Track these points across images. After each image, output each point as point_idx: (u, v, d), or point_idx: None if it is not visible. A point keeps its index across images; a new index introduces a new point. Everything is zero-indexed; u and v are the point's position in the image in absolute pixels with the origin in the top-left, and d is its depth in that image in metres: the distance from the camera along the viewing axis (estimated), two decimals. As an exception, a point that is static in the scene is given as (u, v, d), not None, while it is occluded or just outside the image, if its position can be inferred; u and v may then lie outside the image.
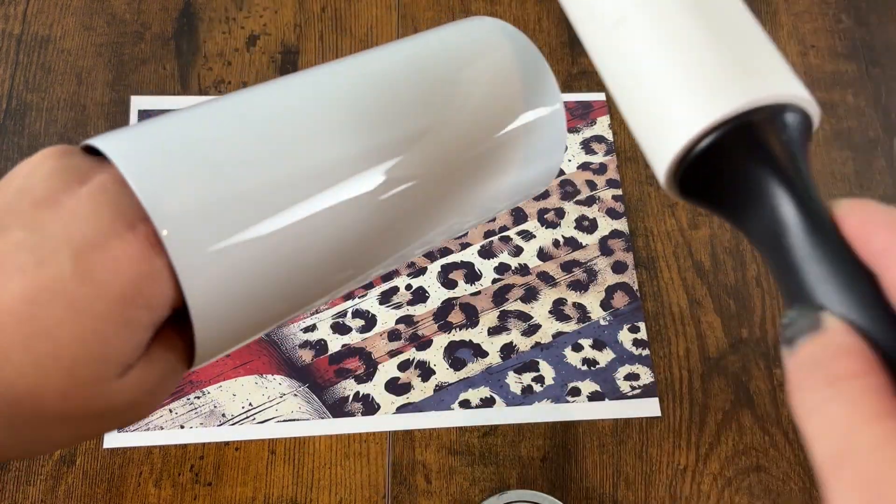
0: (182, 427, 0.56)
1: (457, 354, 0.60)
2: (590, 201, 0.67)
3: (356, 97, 0.29)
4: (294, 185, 0.25)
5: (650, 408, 0.60)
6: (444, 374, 0.60)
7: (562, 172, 0.67)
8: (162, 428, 0.56)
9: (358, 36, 0.72)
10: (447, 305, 0.62)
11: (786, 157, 0.22)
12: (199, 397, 0.57)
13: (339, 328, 0.60)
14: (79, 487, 0.55)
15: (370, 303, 0.61)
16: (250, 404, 0.57)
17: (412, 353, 0.60)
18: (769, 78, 0.24)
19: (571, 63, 0.72)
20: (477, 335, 0.61)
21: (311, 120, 0.28)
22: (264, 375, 0.58)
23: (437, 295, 0.62)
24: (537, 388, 0.60)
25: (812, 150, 0.70)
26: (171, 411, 0.57)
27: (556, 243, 0.65)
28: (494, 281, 0.63)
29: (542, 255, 0.64)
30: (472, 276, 0.63)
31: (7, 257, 0.20)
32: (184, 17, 0.71)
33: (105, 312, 0.21)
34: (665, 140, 0.23)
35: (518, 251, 0.64)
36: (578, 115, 0.70)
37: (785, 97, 0.23)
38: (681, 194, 0.24)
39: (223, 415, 0.57)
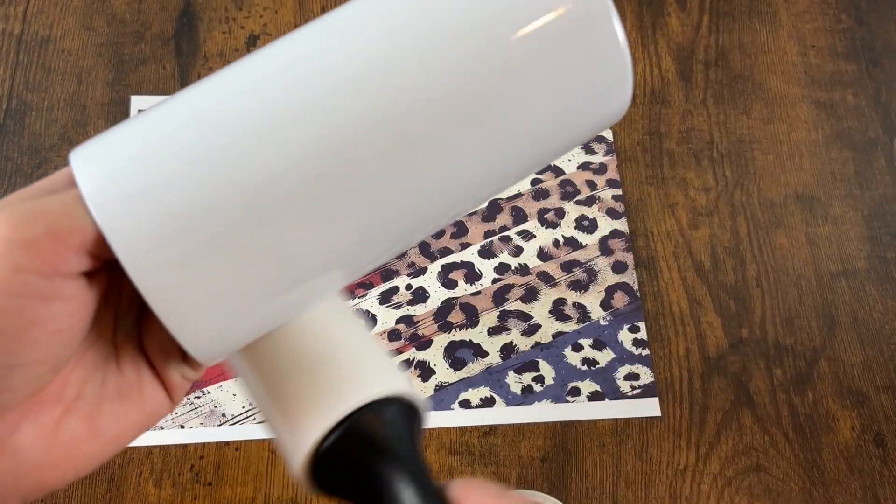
0: (182, 427, 0.56)
1: (457, 354, 0.60)
2: (590, 201, 0.67)
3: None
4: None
5: (650, 408, 0.60)
6: (444, 373, 0.60)
7: (562, 172, 0.67)
8: (162, 428, 0.56)
9: (358, 36, 0.72)
10: (447, 305, 0.62)
11: (394, 445, 0.25)
12: (199, 397, 0.57)
13: None
14: (79, 487, 0.55)
15: (370, 303, 0.61)
16: (250, 404, 0.57)
17: (412, 353, 0.60)
18: (364, 382, 0.27)
19: (571, 63, 0.72)
20: (477, 335, 0.61)
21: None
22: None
23: (437, 295, 0.62)
24: (537, 387, 0.60)
25: (812, 151, 0.70)
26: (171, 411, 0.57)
27: (556, 243, 0.65)
28: (494, 281, 0.63)
29: (542, 255, 0.64)
30: (472, 276, 0.63)
31: None
32: (184, 17, 0.71)
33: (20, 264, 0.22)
34: (291, 452, 0.26)
35: (518, 251, 0.64)
36: None
37: (379, 394, 0.26)
38: (323, 491, 0.26)
39: (223, 414, 0.57)
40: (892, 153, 0.71)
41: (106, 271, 0.24)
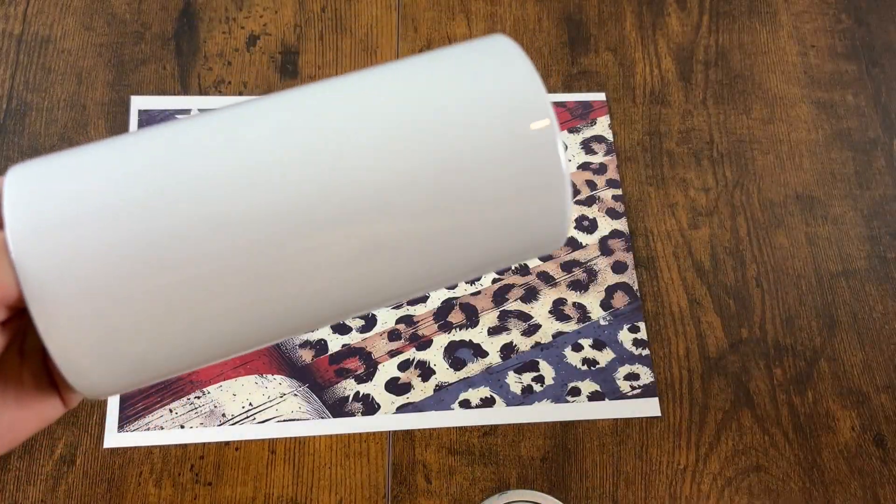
0: (182, 427, 0.56)
1: (457, 354, 0.60)
2: (590, 201, 0.67)
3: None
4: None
5: (650, 408, 0.60)
6: (444, 373, 0.60)
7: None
8: (162, 428, 0.56)
9: (358, 36, 0.72)
10: (447, 305, 0.62)
11: None
12: (199, 397, 0.57)
13: (340, 328, 0.60)
14: (79, 487, 0.55)
15: None
16: (250, 404, 0.57)
17: (412, 353, 0.60)
18: None
19: (571, 63, 0.72)
20: (477, 335, 0.61)
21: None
22: (264, 375, 0.58)
23: (437, 295, 0.62)
24: (537, 387, 0.60)
25: (812, 150, 0.70)
26: (171, 411, 0.57)
27: None
28: (494, 281, 0.63)
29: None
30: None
31: None
32: (184, 17, 0.71)
33: None
34: None
35: (518, 251, 0.64)
36: (578, 115, 0.70)
37: None
38: None
39: (223, 415, 0.57)
40: (892, 153, 0.71)
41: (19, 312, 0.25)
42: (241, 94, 0.68)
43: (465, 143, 0.25)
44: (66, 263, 0.23)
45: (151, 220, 0.23)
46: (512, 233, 0.26)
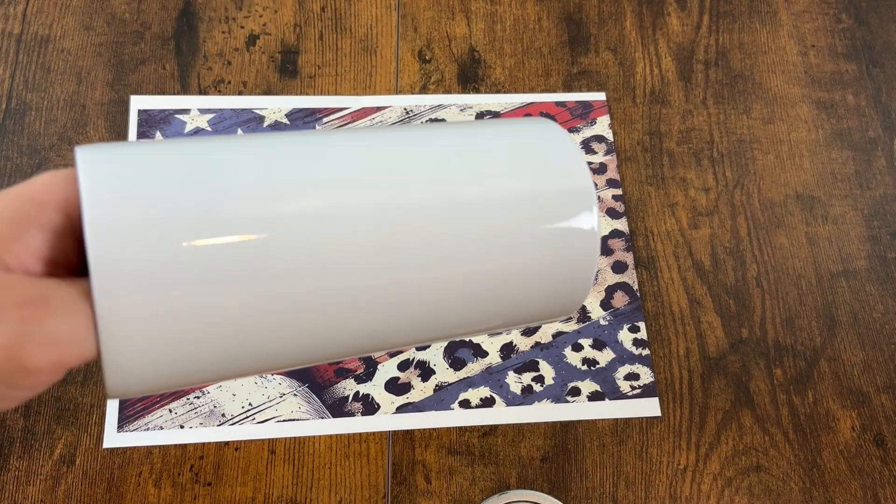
0: (182, 427, 0.56)
1: (457, 354, 0.60)
2: None
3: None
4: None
5: (650, 408, 0.60)
6: (444, 373, 0.60)
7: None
8: (162, 428, 0.56)
9: (358, 36, 0.72)
10: (447, 305, 0.62)
11: None
12: (198, 397, 0.57)
13: None
14: (79, 487, 0.55)
15: None
16: (250, 404, 0.57)
17: (412, 353, 0.60)
18: None
19: (571, 63, 0.72)
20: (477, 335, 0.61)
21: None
22: (264, 375, 0.58)
23: (437, 295, 0.62)
24: (537, 387, 0.60)
25: (812, 150, 0.70)
26: (170, 411, 0.57)
27: None
28: (494, 281, 0.63)
29: None
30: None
31: None
32: (183, 16, 0.71)
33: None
34: None
35: (518, 251, 0.64)
36: (578, 115, 0.70)
37: None
38: None
39: (223, 415, 0.57)
40: (893, 153, 0.71)
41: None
42: (240, 93, 0.68)
43: (520, 216, 0.27)
44: (141, 265, 0.23)
45: (226, 242, 0.24)
46: (542, 294, 0.29)
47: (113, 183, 0.23)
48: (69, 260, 0.23)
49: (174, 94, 0.68)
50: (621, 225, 0.66)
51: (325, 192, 0.26)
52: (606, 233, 0.65)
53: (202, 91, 0.68)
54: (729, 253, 0.65)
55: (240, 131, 0.66)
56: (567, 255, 0.28)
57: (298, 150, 0.27)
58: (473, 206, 0.27)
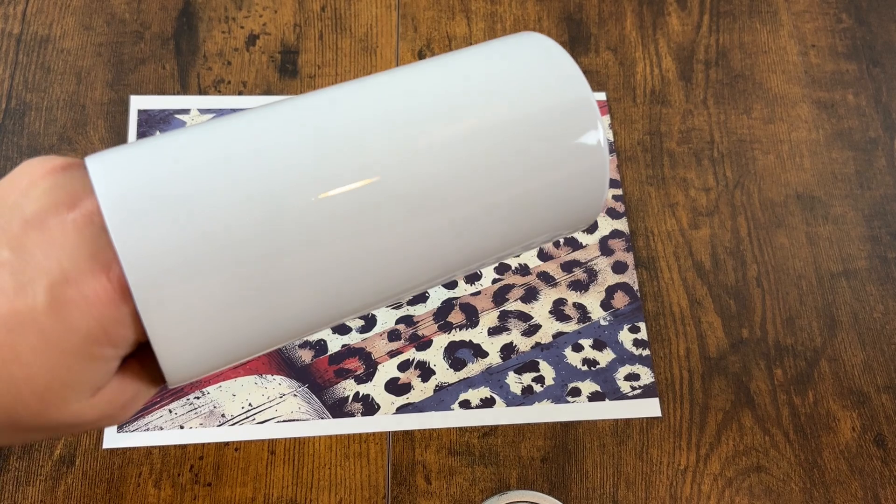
0: (182, 427, 0.56)
1: (457, 354, 0.60)
2: None
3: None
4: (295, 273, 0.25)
5: (650, 408, 0.60)
6: (444, 374, 0.59)
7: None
8: (161, 428, 0.56)
9: (357, 36, 0.72)
10: (447, 305, 0.61)
11: None
12: (198, 397, 0.57)
13: (339, 328, 0.60)
14: (78, 487, 0.55)
15: None
16: (250, 404, 0.57)
17: (412, 354, 0.60)
18: None
19: (571, 63, 0.72)
20: (477, 335, 0.61)
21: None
22: (264, 375, 0.58)
23: (437, 295, 0.62)
24: (537, 388, 0.60)
25: (813, 150, 0.70)
26: (170, 411, 0.57)
27: (556, 243, 0.64)
28: (494, 281, 0.63)
29: (542, 255, 0.64)
30: (472, 275, 0.63)
31: None
32: (183, 16, 0.71)
33: (73, 348, 0.22)
34: None
35: (518, 251, 0.64)
36: None
37: None
38: None
39: (223, 415, 0.57)
40: (893, 153, 0.71)
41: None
42: (240, 93, 0.68)
43: (526, 125, 0.29)
44: (170, 255, 0.23)
45: (246, 215, 0.24)
46: (558, 200, 0.30)
47: (127, 196, 0.24)
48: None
49: (174, 94, 0.68)
50: (621, 225, 0.66)
51: (350, 152, 0.26)
52: (607, 233, 0.65)
53: (202, 91, 0.68)
54: (729, 253, 0.65)
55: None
56: (579, 168, 0.29)
57: (305, 116, 0.27)
58: (487, 138, 0.28)
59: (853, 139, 0.71)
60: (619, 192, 0.67)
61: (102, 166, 0.24)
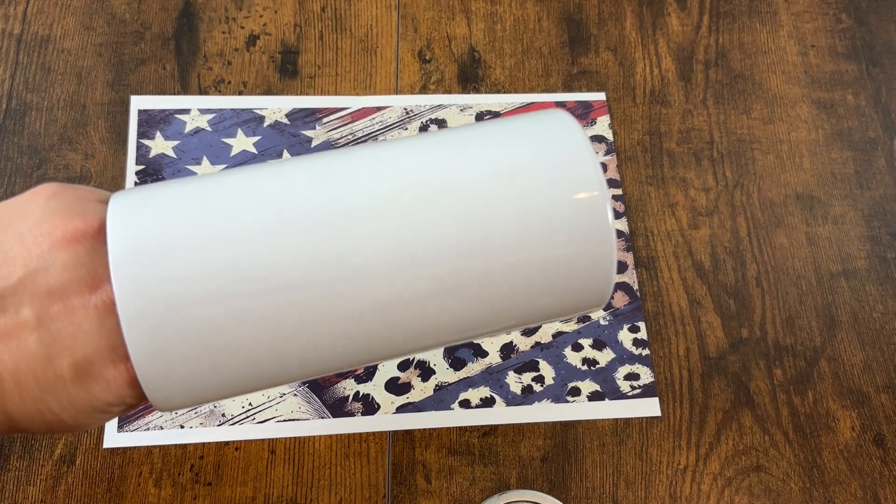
0: (182, 427, 0.56)
1: (457, 354, 0.60)
2: None
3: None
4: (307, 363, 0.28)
5: (650, 408, 0.60)
6: (444, 373, 0.60)
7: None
8: (162, 428, 0.56)
9: (358, 36, 0.72)
10: (447, 305, 0.61)
11: None
12: None
13: None
14: (79, 487, 0.55)
15: None
16: (250, 404, 0.57)
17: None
18: None
19: (571, 63, 0.72)
20: None
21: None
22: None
23: (437, 295, 0.62)
24: (537, 387, 0.60)
25: (812, 150, 0.70)
26: (171, 411, 0.57)
27: None
28: (494, 281, 0.63)
29: None
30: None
31: (17, 332, 0.25)
32: (184, 17, 0.71)
33: (94, 409, 0.27)
34: None
35: (518, 251, 0.64)
36: (578, 116, 0.70)
37: None
38: None
39: (223, 415, 0.57)
40: (893, 153, 0.71)
41: None
42: (240, 93, 0.68)
43: (532, 211, 0.28)
44: (164, 297, 0.25)
45: (242, 265, 0.26)
46: (563, 288, 0.29)
47: (132, 240, 0.26)
48: None
49: (174, 94, 0.68)
50: (621, 225, 0.66)
51: (339, 216, 0.27)
52: (606, 233, 0.65)
53: (202, 91, 0.68)
54: (729, 253, 0.65)
55: (240, 131, 0.66)
56: (585, 251, 0.29)
57: (309, 175, 0.28)
58: (491, 216, 0.28)
59: (853, 139, 0.71)
60: (618, 191, 0.67)
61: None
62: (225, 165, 0.65)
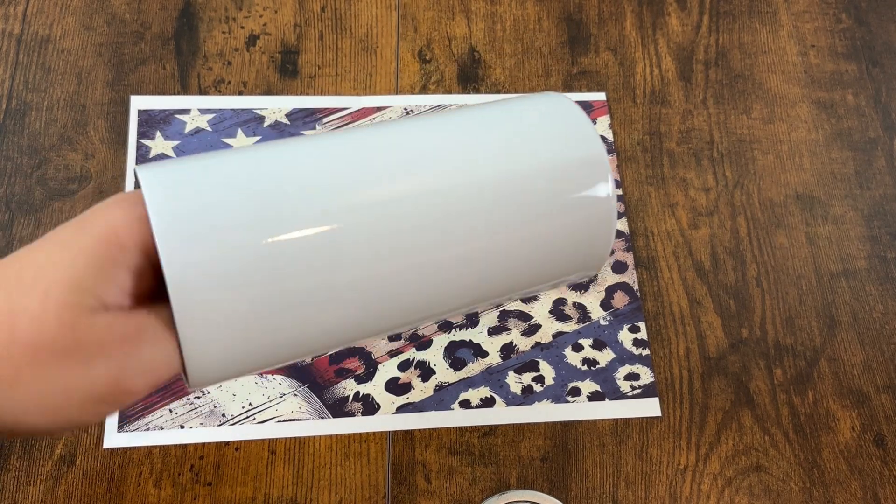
0: (182, 427, 0.56)
1: (457, 354, 0.60)
2: None
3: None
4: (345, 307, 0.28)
5: (650, 408, 0.60)
6: (445, 374, 0.60)
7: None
8: (162, 428, 0.56)
9: (358, 36, 0.72)
10: (447, 305, 0.61)
11: None
12: (198, 397, 0.57)
13: None
14: (79, 487, 0.55)
15: None
16: (250, 404, 0.57)
17: (412, 353, 0.60)
18: None
19: (571, 63, 0.72)
20: (477, 335, 0.61)
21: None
22: (264, 375, 0.58)
23: (437, 295, 0.62)
24: (537, 388, 0.60)
25: (812, 150, 0.70)
26: (171, 411, 0.57)
27: None
28: (494, 281, 0.63)
29: None
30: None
31: None
32: (184, 16, 0.71)
33: (83, 247, 0.24)
34: None
35: (518, 251, 0.64)
36: None
37: None
38: None
39: (223, 415, 0.57)
40: (893, 153, 0.71)
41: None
42: (240, 93, 0.68)
43: (548, 192, 0.30)
44: (212, 261, 0.25)
45: (289, 233, 0.26)
46: (565, 246, 0.31)
47: (177, 203, 0.25)
48: (152, 289, 0.27)
49: (174, 94, 0.68)
50: (621, 225, 0.66)
51: (372, 188, 0.28)
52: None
53: (202, 91, 0.68)
54: (729, 253, 0.65)
55: (240, 132, 0.66)
56: (587, 219, 0.31)
57: (345, 147, 0.30)
58: (502, 185, 0.29)
59: (853, 139, 0.71)
60: (618, 191, 0.67)
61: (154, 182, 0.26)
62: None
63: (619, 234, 0.66)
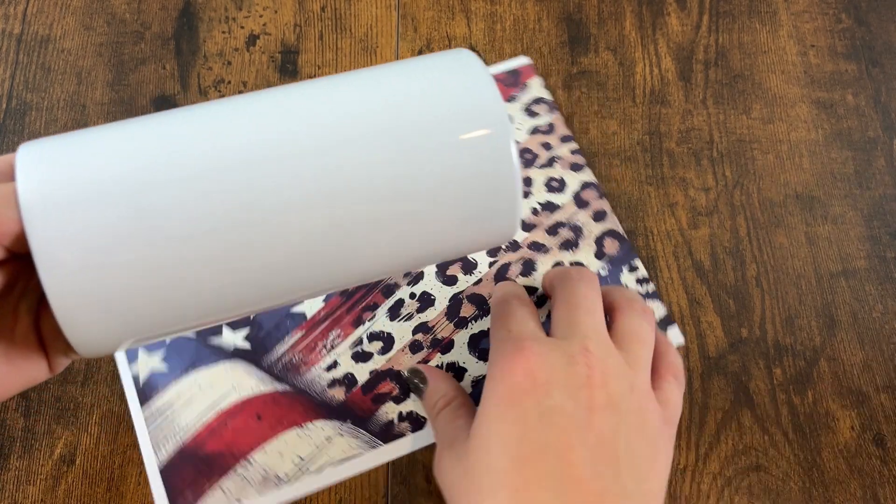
0: (239, 501, 0.53)
1: (481, 346, 0.60)
2: (551, 162, 0.66)
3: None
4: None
5: (650, 407, 0.60)
6: (476, 367, 0.59)
7: (516, 142, 0.67)
8: (163, 429, 0.56)
9: (357, 36, 0.72)
10: (455, 302, 0.61)
11: None
12: (245, 469, 0.55)
13: (360, 356, 0.59)
14: (79, 487, 0.55)
15: (381, 322, 0.60)
16: (300, 458, 0.55)
17: (438, 359, 0.59)
18: None
19: (571, 63, 0.72)
20: (489, 322, 0.61)
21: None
22: (303, 425, 0.56)
23: (442, 294, 0.61)
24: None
25: (812, 150, 0.70)
26: (223, 491, 0.54)
27: (534, 211, 0.64)
28: (491, 264, 0.62)
29: (526, 226, 0.63)
30: (469, 265, 0.62)
31: None
32: (184, 16, 0.71)
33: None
34: None
35: (503, 230, 0.63)
36: (510, 84, 0.69)
37: None
38: None
39: (276, 476, 0.54)
40: (893, 153, 0.71)
41: (16, 259, 0.28)
42: (240, 93, 0.68)
43: (430, 141, 0.29)
44: (74, 218, 0.26)
45: (152, 188, 0.27)
46: (470, 220, 0.30)
47: (43, 177, 0.26)
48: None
49: (174, 93, 0.68)
50: (586, 176, 0.65)
51: (240, 148, 0.28)
52: (577, 187, 0.65)
53: (202, 91, 0.68)
54: (729, 253, 0.66)
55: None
56: (480, 166, 0.29)
57: (222, 109, 0.30)
58: (380, 134, 0.28)
59: (852, 139, 0.71)
60: (574, 146, 0.66)
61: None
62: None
63: (588, 185, 0.65)
